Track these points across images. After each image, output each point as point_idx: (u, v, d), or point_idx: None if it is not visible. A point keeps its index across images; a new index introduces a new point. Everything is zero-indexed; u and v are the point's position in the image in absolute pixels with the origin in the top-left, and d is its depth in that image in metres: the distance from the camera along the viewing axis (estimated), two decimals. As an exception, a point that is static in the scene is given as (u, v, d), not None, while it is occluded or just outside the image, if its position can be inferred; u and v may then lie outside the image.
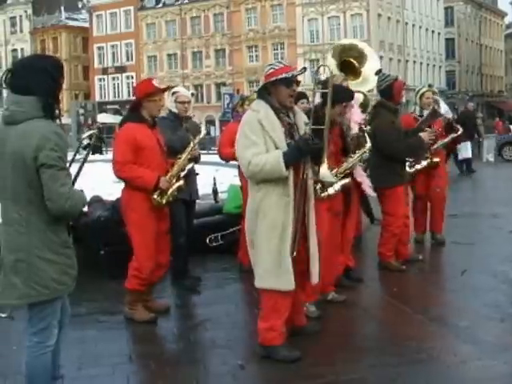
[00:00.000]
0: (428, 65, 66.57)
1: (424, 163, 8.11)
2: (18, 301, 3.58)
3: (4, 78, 3.56)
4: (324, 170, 4.84)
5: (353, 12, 57.58)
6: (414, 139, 7.27)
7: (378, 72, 7.03)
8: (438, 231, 8.66)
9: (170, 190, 5.71)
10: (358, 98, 6.71)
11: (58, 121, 3.64)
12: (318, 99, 5.56)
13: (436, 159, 8.21)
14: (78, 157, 4.06)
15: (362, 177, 6.41)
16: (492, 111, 65.96)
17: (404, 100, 7.85)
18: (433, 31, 67.42)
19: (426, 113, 8.03)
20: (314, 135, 4.62)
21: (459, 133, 8.68)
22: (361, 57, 6.88)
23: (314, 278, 4.80)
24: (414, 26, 63.94)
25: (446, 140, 8.41)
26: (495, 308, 5.86)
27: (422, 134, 7.33)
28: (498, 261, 7.61)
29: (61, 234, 3.60)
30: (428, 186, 8.42)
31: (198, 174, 6.81)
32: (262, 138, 4.47)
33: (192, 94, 7.17)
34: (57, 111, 3.63)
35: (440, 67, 69.03)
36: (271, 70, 4.64)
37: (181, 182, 5.86)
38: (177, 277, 6.83)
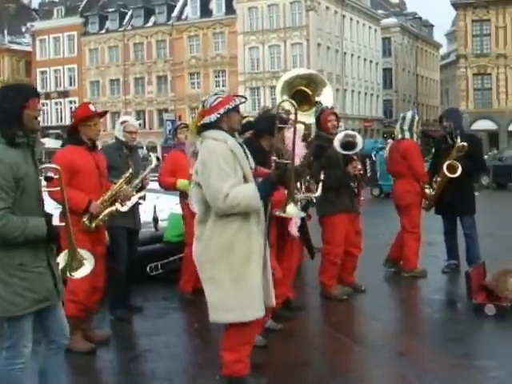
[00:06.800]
0: (366, 94, 67.77)
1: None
2: None
3: None
4: (291, 207, 4.76)
5: (293, 41, 58.38)
6: (337, 171, 7.08)
7: (317, 103, 6.95)
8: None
9: (101, 215, 5.67)
10: (300, 129, 6.56)
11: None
12: None
13: None
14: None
15: None
16: (427, 140, 67.19)
17: (340, 128, 7.85)
18: (371, 61, 68.73)
19: None
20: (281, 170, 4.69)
21: None
22: (316, 87, 6.88)
23: (273, 301, 4.76)
24: (352, 55, 65.07)
25: None
26: (426, 336, 6.11)
27: (349, 166, 7.12)
28: (428, 291, 7.77)
29: (17, 257, 3.66)
30: None
31: (141, 203, 6.71)
32: (233, 167, 4.40)
33: (139, 124, 7.16)
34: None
35: (378, 96, 70.36)
36: (220, 99, 4.56)
37: (113, 208, 5.79)
38: (114, 306, 6.72)
